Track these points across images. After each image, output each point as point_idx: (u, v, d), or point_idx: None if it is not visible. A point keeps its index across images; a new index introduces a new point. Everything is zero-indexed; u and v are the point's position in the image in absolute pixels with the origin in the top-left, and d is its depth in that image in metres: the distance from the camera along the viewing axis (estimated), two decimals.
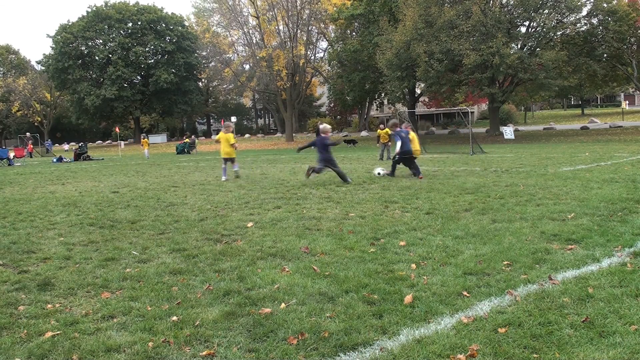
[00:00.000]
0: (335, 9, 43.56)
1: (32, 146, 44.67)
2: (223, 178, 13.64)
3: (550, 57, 30.14)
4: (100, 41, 60.79)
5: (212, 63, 68.00)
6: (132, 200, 10.01)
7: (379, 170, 13.22)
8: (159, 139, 64.90)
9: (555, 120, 59.84)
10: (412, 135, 12.93)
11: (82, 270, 5.03)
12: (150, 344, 3.28)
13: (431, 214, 7.23)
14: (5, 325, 3.67)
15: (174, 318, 3.69)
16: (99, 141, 75.35)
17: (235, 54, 58.91)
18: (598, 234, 5.54)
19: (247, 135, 64.89)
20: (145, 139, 35.43)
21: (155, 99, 62.24)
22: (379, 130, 19.74)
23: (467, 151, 22.44)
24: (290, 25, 47.60)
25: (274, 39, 50.66)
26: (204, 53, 65.71)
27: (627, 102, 64.72)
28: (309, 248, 5.51)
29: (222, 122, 45.40)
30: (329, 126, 13.06)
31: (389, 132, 19.29)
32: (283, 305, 3.85)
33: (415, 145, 12.79)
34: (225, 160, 13.90)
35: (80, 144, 38.37)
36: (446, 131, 51.95)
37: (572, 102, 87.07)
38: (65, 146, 62.49)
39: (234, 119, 39.01)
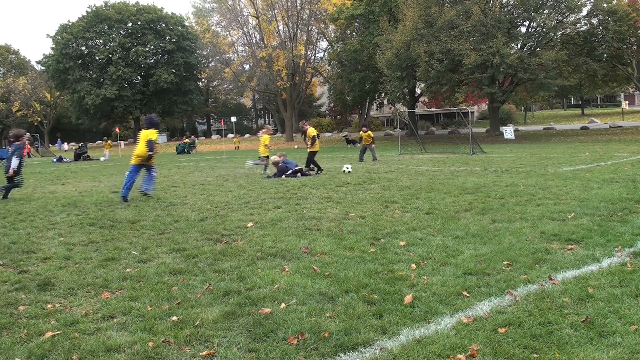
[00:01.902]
0: (335, 9, 43.55)
1: (29, 147, 44.50)
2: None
3: (550, 57, 30.14)
4: (100, 41, 60.80)
5: (212, 63, 68.00)
6: (132, 200, 10.00)
7: (347, 167, 14.69)
8: (159, 139, 64.80)
9: (555, 120, 59.85)
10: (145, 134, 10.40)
11: (82, 270, 5.03)
12: (150, 344, 3.28)
13: (431, 214, 7.23)
14: (5, 325, 3.67)
15: (174, 318, 3.68)
16: (99, 141, 75.29)
17: (235, 54, 58.90)
18: (598, 234, 5.54)
19: (247, 135, 64.90)
20: (108, 142, 36.03)
21: (155, 99, 62.25)
22: (361, 132, 20.03)
23: (467, 151, 22.44)
24: (290, 25, 47.60)
25: (274, 39, 50.66)
26: (204, 53, 65.70)
27: (627, 102, 64.70)
28: (309, 248, 5.51)
29: (222, 123, 45.29)
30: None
31: (371, 134, 19.56)
32: (283, 305, 3.84)
33: (139, 150, 10.23)
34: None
35: (80, 144, 38.39)
36: (446, 131, 51.98)
37: (572, 102, 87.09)
38: (65, 146, 62.34)
39: (233, 119, 38.91)
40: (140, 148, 10.06)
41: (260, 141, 15.59)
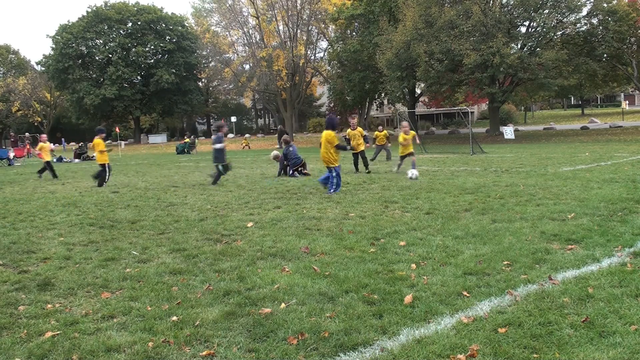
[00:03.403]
0: (335, 9, 43.55)
1: (29, 147, 44.44)
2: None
3: (550, 56, 30.12)
4: (100, 41, 60.76)
5: (212, 63, 67.96)
6: (132, 200, 10.01)
7: (412, 172, 12.16)
8: (159, 139, 64.86)
9: (555, 120, 59.83)
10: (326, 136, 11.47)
11: (82, 270, 5.03)
12: (150, 344, 3.28)
13: (431, 214, 7.23)
14: (5, 325, 3.67)
15: (174, 318, 3.68)
16: None
17: (235, 54, 58.88)
18: (598, 234, 5.54)
19: (247, 135, 64.89)
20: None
21: (155, 99, 62.22)
22: (376, 132, 19.86)
23: (467, 151, 22.43)
24: (290, 25, 47.61)
25: (274, 39, 50.66)
26: (204, 53, 65.68)
27: (627, 102, 64.69)
28: (309, 248, 5.51)
29: (222, 121, 45.10)
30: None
31: (387, 134, 19.42)
32: (283, 305, 3.84)
33: (322, 153, 11.37)
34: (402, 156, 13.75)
35: (80, 144, 38.35)
36: (446, 131, 51.97)
37: (572, 102, 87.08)
38: (52, 146, 61.88)
39: (233, 119, 38.98)
40: (323, 150, 10.38)
41: (407, 140, 13.50)
